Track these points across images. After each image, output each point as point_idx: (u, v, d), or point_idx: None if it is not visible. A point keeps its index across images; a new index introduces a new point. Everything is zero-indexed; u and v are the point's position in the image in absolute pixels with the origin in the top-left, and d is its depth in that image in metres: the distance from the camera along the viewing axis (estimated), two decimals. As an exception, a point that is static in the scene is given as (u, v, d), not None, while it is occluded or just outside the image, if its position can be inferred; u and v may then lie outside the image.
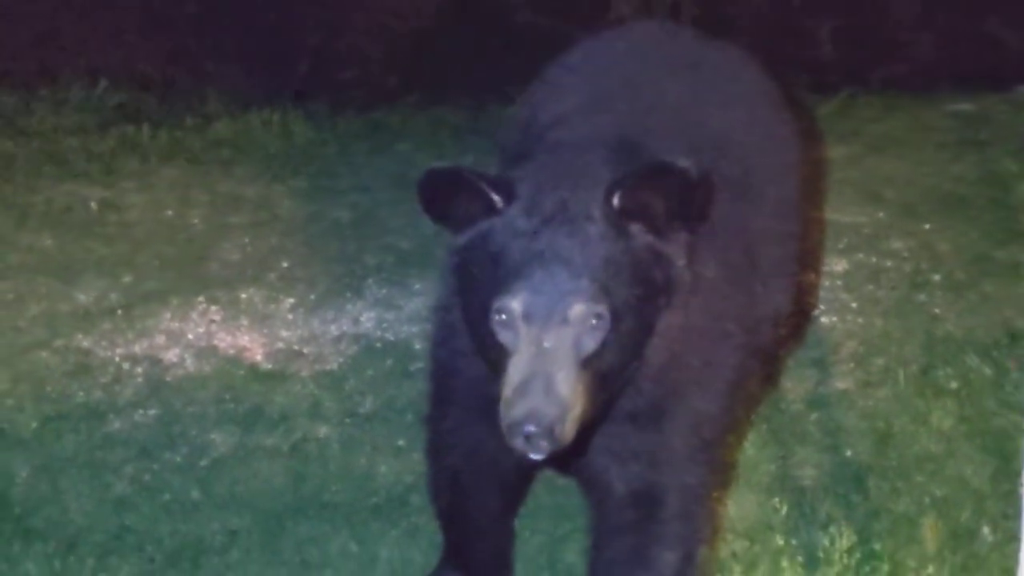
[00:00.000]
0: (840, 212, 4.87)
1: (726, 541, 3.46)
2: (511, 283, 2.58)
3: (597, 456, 2.91)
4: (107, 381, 4.26)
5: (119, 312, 4.59)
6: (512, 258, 2.60)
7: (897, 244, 4.82)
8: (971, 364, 4.14)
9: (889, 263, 4.72)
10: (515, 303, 2.55)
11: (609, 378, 2.64)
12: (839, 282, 4.58)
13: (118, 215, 5.20)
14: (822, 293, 4.53)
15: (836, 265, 4.65)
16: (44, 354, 4.37)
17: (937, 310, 4.46)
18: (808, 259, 4.22)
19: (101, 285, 4.75)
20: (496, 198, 2.64)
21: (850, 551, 3.39)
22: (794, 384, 4.06)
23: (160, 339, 4.44)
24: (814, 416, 3.97)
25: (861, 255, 4.74)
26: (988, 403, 3.96)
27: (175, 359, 4.36)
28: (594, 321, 2.55)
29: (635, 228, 2.62)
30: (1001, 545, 3.35)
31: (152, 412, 4.11)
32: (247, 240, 5.04)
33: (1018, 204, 4.63)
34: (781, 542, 3.48)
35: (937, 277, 4.63)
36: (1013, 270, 4.51)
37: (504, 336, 2.57)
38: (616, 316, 2.57)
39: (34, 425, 4.04)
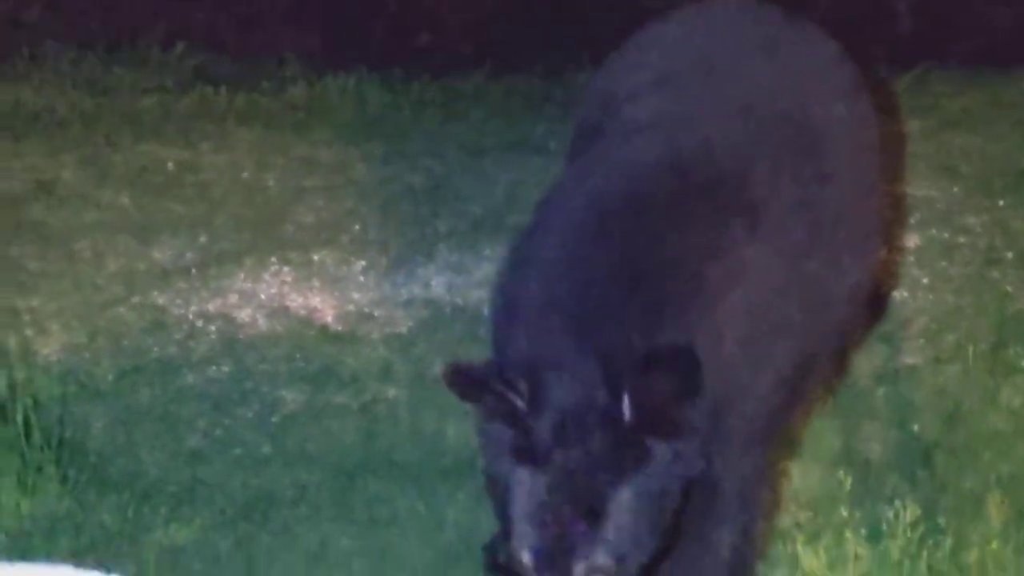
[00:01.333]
0: (914, 187, 4.82)
1: (789, 512, 3.48)
2: (521, 530, 2.57)
3: None
4: (181, 337, 4.32)
5: (194, 271, 4.65)
6: (523, 494, 2.58)
7: (971, 220, 4.77)
8: (1046, 340, 4.13)
9: (962, 239, 4.68)
10: (525, 557, 2.55)
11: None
12: (911, 257, 4.54)
13: (195, 176, 5.24)
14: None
15: (908, 240, 4.62)
16: (121, 310, 4.44)
17: (1010, 287, 4.42)
18: (886, 235, 4.17)
19: (177, 244, 4.80)
20: (519, 404, 2.57)
21: (914, 525, 3.38)
22: (863, 358, 4.02)
23: (233, 298, 4.50)
24: (882, 391, 3.96)
25: (934, 230, 4.70)
26: (1060, 381, 3.95)
27: (247, 318, 4.42)
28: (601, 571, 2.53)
29: (651, 444, 2.56)
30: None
31: (225, 368, 4.18)
32: (321, 203, 5.08)
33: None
34: (845, 514, 3.47)
35: (1011, 254, 4.58)
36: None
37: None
38: (632, 557, 2.57)
39: (111, 378, 4.11)
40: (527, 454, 2.55)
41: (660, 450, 2.56)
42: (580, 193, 3.08)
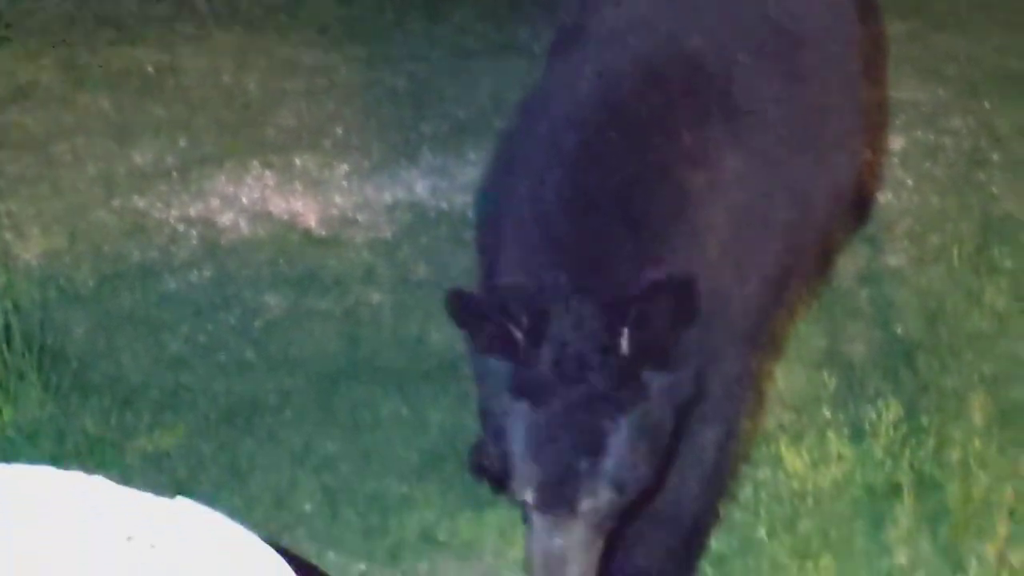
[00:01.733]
0: (899, 89, 4.80)
1: (773, 413, 3.50)
2: (523, 467, 2.57)
3: None
4: (162, 242, 4.31)
5: (175, 174, 4.63)
6: (526, 430, 2.58)
7: (956, 122, 4.77)
8: (1027, 243, 4.13)
9: (948, 141, 4.68)
10: (528, 495, 2.56)
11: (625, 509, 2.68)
12: (895, 159, 4.54)
13: (175, 79, 5.20)
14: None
15: (894, 142, 4.61)
16: (101, 213, 4.42)
17: (995, 189, 4.43)
18: (869, 136, 4.17)
19: (157, 147, 4.78)
20: (518, 335, 2.56)
21: (896, 425, 3.40)
22: (846, 260, 4.03)
23: (215, 202, 4.48)
24: (865, 292, 3.97)
25: (919, 132, 4.70)
26: (1042, 282, 3.95)
27: (229, 222, 4.40)
28: (606, 504, 2.56)
29: (647, 377, 2.57)
30: (1050, 423, 3.37)
31: (207, 273, 4.17)
32: (303, 106, 5.04)
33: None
34: (828, 415, 3.51)
35: (996, 156, 4.59)
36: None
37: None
38: (632, 485, 2.60)
39: (91, 283, 4.10)
40: (527, 390, 2.55)
41: (657, 381, 2.57)
42: (563, 100, 3.05)
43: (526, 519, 2.64)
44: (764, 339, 3.22)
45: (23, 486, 2.36)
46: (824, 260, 3.71)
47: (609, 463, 2.54)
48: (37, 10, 5.79)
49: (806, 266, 3.35)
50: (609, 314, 2.50)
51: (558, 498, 2.54)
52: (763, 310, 3.07)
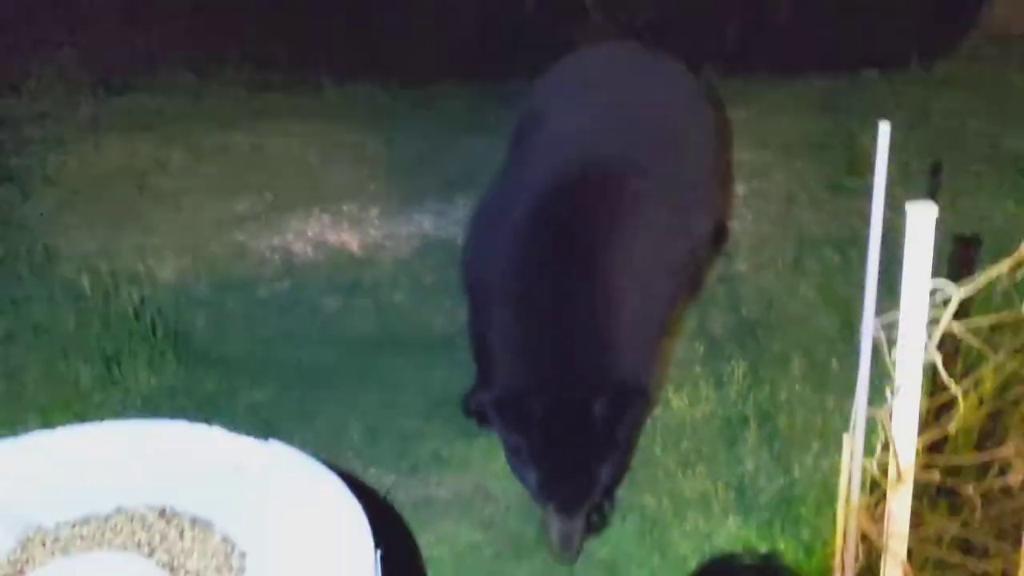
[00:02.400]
0: (740, 153, 4.83)
1: (665, 372, 3.49)
2: (541, 493, 2.70)
3: None
4: (255, 263, 4.28)
5: (262, 218, 4.59)
6: (551, 469, 2.67)
7: (778, 175, 4.81)
8: (827, 255, 4.15)
9: (772, 187, 4.72)
10: (546, 505, 2.70)
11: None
12: (740, 200, 4.58)
13: (262, 153, 5.18)
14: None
15: (738, 189, 4.64)
16: (214, 245, 4.40)
17: (804, 218, 4.48)
18: (723, 188, 4.24)
19: (251, 200, 4.74)
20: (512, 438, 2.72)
21: (744, 377, 3.44)
22: (711, 268, 4.03)
23: (289, 236, 4.44)
24: (722, 288, 3.99)
25: (754, 182, 4.73)
26: (837, 280, 3.97)
27: (299, 250, 4.36)
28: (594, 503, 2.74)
29: (618, 431, 2.68)
30: (844, 371, 3.38)
31: (285, 284, 4.14)
32: (347, 170, 5.01)
33: (860, 149, 4.58)
34: (698, 370, 3.52)
35: (804, 196, 4.65)
36: (854, 192, 4.45)
37: None
38: (610, 484, 2.78)
39: (207, 292, 4.08)
40: (541, 461, 2.66)
41: (622, 431, 2.69)
42: (518, 181, 3.06)
43: (539, 505, 2.75)
44: (668, 330, 3.28)
45: (164, 434, 2.33)
46: (700, 272, 3.73)
47: (599, 483, 2.69)
48: (168, 108, 5.75)
49: (691, 279, 3.41)
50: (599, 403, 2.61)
51: (569, 508, 2.67)
52: (668, 312, 3.13)
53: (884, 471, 2.11)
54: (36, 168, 5.02)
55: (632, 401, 2.68)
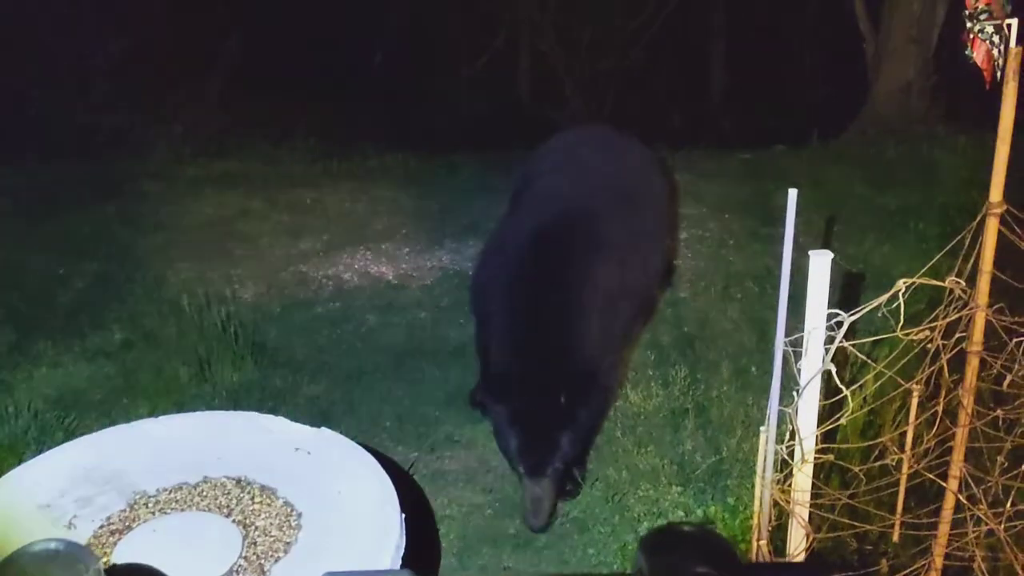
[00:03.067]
0: (685, 208, 4.81)
1: (625, 374, 3.45)
2: (518, 458, 2.63)
3: None
4: (314, 288, 4.24)
5: (321, 254, 4.56)
6: (519, 435, 2.61)
7: (712, 224, 4.77)
8: (749, 285, 4.11)
9: (708, 234, 4.67)
10: (520, 468, 2.63)
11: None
12: (683, 245, 4.53)
13: (321, 205, 5.16)
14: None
15: (682, 234, 4.60)
16: (283, 274, 4.36)
17: (731, 258, 4.42)
18: (671, 235, 4.22)
19: (311, 240, 4.71)
20: (501, 414, 2.67)
21: (684, 378, 3.40)
22: (661, 295, 3.99)
23: (341, 267, 4.41)
24: (669, 310, 3.94)
25: (693, 230, 4.69)
26: (756, 305, 3.93)
27: (349, 277, 4.33)
28: (561, 467, 2.65)
29: (579, 412, 2.64)
30: (761, 376, 3.37)
31: (337, 304, 4.10)
32: (386, 218, 4.99)
33: (774, 207, 4.55)
34: (651, 373, 3.49)
35: (732, 241, 4.58)
36: (768, 238, 4.43)
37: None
38: (573, 455, 2.70)
39: (278, 310, 4.04)
40: (519, 424, 2.61)
41: (582, 413, 2.64)
42: (515, 226, 3.04)
43: (518, 476, 2.69)
44: (629, 343, 3.26)
45: (240, 421, 2.29)
46: (654, 301, 3.68)
47: (562, 451, 2.60)
48: (250, 172, 5.75)
49: (647, 304, 3.37)
50: (559, 390, 2.56)
51: (537, 470, 2.59)
52: (628, 328, 3.10)
53: (791, 454, 2.09)
54: (150, 215, 5.01)
55: (589, 390, 2.64)
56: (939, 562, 2.10)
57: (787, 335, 1.94)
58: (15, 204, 5.14)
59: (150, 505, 1.97)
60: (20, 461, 2.44)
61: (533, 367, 2.60)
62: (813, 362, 1.92)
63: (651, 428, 3.19)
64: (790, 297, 1.95)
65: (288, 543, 1.87)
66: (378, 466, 2.03)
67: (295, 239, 4.71)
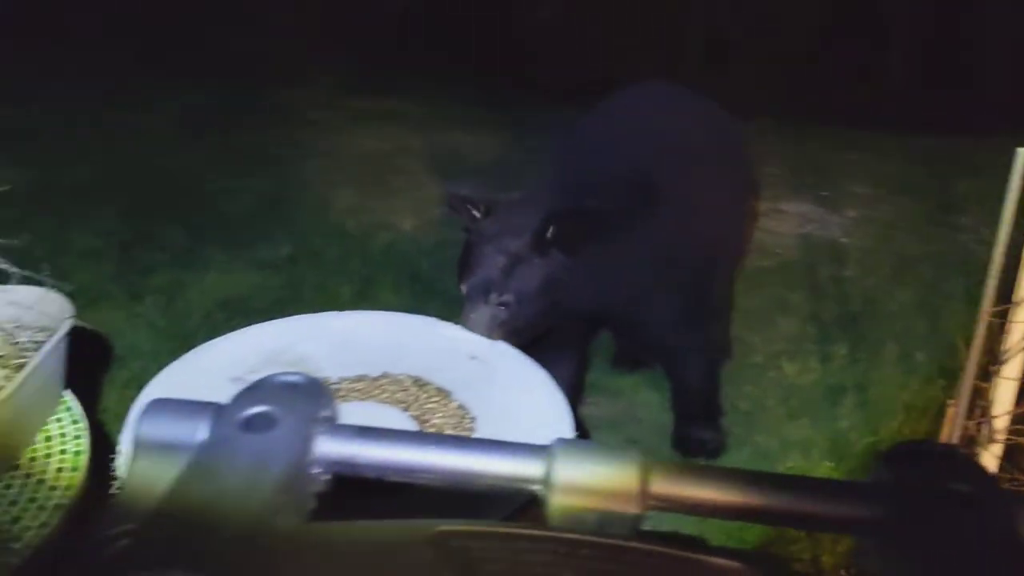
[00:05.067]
0: (854, 187, 4.66)
1: (781, 345, 3.40)
2: (464, 271, 2.42)
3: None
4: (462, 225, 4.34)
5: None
6: (471, 254, 2.41)
7: (883, 206, 4.61)
8: (921, 270, 3.94)
9: (879, 215, 4.52)
10: (463, 287, 2.42)
11: (522, 323, 2.40)
12: (852, 222, 4.41)
13: (479, 153, 5.25)
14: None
15: (850, 213, 4.47)
16: (437, 211, 4.41)
17: (904, 241, 4.27)
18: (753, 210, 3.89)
19: (470, 182, 4.70)
20: (476, 214, 2.43)
21: (845, 356, 3.32)
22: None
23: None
24: (832, 287, 3.84)
25: (865, 209, 4.56)
26: (928, 292, 3.77)
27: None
28: (503, 303, 2.37)
29: (555, 251, 2.37)
30: (927, 365, 3.24)
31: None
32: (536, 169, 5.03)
33: (955, 194, 4.36)
34: (809, 347, 3.43)
35: (905, 224, 4.44)
36: (947, 224, 4.25)
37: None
38: (520, 301, 2.37)
39: (431, 245, 4.12)
40: (477, 236, 2.42)
41: (560, 259, 2.38)
42: (597, 135, 2.79)
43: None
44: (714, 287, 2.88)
45: (425, 324, 2.38)
46: (741, 255, 3.16)
47: (511, 283, 2.37)
48: (411, 109, 5.92)
49: (731, 252, 3.00)
50: (548, 213, 2.35)
51: (477, 293, 2.40)
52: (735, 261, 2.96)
53: (978, 431, 2.05)
54: (316, 144, 5.27)
55: (586, 236, 2.35)
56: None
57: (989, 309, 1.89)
58: (185, 121, 5.52)
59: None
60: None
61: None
62: (1018, 336, 1.87)
63: (807, 400, 3.14)
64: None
65: (462, 443, 1.98)
66: (552, 383, 2.11)
67: (450, 180, 4.84)
